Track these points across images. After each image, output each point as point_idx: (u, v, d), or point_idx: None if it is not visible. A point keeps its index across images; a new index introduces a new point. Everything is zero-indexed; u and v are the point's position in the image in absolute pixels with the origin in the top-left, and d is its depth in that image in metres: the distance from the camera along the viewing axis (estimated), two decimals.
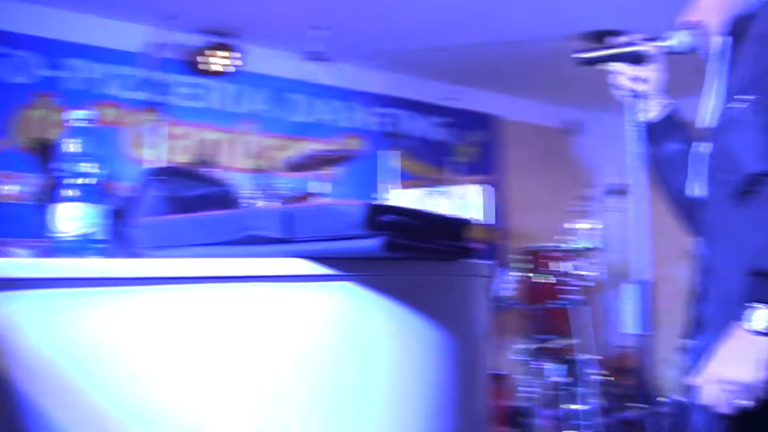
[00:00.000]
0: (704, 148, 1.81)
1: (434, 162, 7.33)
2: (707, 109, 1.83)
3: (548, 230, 7.86)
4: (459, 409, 1.77)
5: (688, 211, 1.97)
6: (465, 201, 6.24)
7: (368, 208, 1.46)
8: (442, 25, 6.14)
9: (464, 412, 1.80)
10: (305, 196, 5.23)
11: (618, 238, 8.43)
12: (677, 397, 1.90)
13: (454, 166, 6.86)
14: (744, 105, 1.64)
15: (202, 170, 2.36)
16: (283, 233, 1.51)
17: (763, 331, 1.46)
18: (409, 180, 6.71)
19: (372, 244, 1.45)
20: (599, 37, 6.38)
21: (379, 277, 1.59)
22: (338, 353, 1.53)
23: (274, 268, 1.51)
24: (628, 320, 1.89)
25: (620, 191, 6.25)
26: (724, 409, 1.53)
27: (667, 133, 2.02)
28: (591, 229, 6.54)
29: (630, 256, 1.94)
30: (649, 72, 2.01)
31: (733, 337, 1.52)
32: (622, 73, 2.02)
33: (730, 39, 1.82)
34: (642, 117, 2.00)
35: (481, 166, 7.24)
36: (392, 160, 6.43)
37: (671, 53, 1.99)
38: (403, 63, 6.94)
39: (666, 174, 2.04)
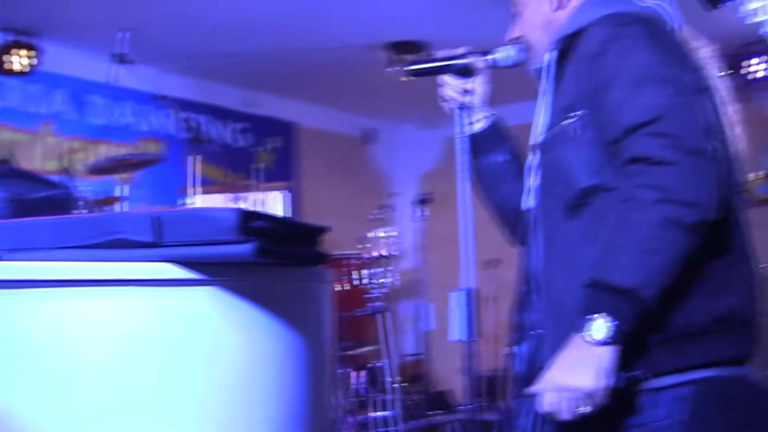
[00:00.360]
0: (536, 161, 1.87)
1: (234, 168, 7.30)
2: (539, 124, 1.88)
3: (347, 238, 8.06)
4: (310, 408, 1.82)
5: (513, 221, 2.07)
6: (265, 208, 6.28)
7: (240, 214, 1.49)
8: (243, 30, 6.14)
9: (314, 412, 1.85)
10: (108, 200, 5.05)
11: (414, 247, 8.80)
12: (504, 402, 2.00)
13: (253, 173, 6.87)
14: (573, 121, 1.72)
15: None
16: (153, 237, 1.50)
17: (602, 340, 1.54)
18: (210, 186, 6.64)
19: (244, 249, 1.48)
20: (402, 47, 6.59)
21: (242, 282, 1.61)
22: (201, 356, 1.54)
23: (141, 271, 1.50)
24: (454, 327, 1.93)
25: (423, 201, 6.51)
26: (565, 416, 1.60)
27: (491, 145, 2.10)
28: (388, 237, 6.76)
29: (460, 264, 1.98)
30: (475, 84, 2.08)
31: (573, 346, 1.58)
32: (450, 85, 2.07)
33: (555, 55, 1.88)
34: (468, 128, 2.07)
35: (280, 173, 7.27)
36: (193, 165, 6.34)
37: (496, 67, 2.08)
38: (203, 67, 6.86)
39: (490, 184, 2.12)
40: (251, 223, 1.52)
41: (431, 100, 8.55)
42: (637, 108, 1.60)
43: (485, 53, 2.07)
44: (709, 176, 1.55)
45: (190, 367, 1.51)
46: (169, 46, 6.31)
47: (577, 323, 1.57)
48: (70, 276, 1.45)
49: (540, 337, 1.79)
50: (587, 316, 1.55)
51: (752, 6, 3.95)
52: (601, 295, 1.55)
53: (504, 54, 2.05)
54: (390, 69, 6.65)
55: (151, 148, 6.77)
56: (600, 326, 1.54)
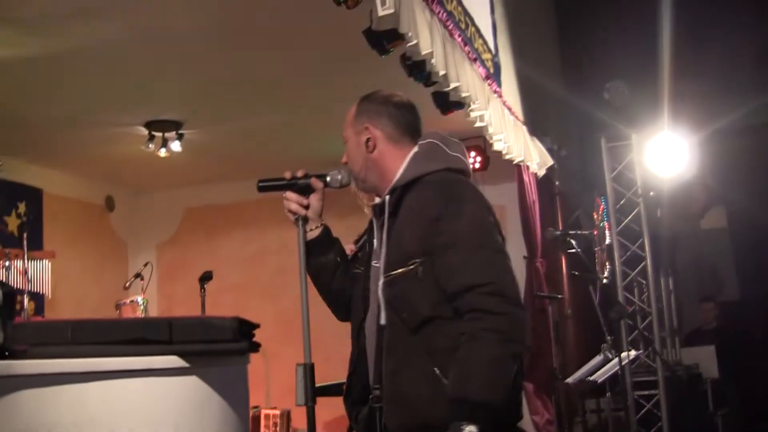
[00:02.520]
0: (382, 288, 2.28)
1: None
2: (381, 258, 2.30)
3: (100, 306, 7.98)
4: None
5: (344, 305, 2.54)
6: (30, 276, 6.17)
7: (238, 322, 1.90)
8: None
9: None
10: None
11: (161, 313, 8.87)
12: None
13: (3, 239, 6.72)
14: (415, 266, 2.20)
15: None
16: (167, 337, 1.85)
17: None
18: None
19: (243, 346, 1.90)
20: (158, 125, 6.82)
21: (221, 368, 1.99)
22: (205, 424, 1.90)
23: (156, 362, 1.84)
24: (300, 394, 2.27)
25: (206, 277, 6.70)
26: None
27: (325, 247, 2.51)
28: (140, 304, 6.89)
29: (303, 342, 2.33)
30: (311, 200, 2.46)
31: None
32: (292, 201, 2.44)
33: (390, 200, 2.33)
34: (304, 235, 2.47)
35: (30, 239, 7.07)
36: None
37: (329, 186, 2.48)
38: None
39: (326, 278, 2.51)
40: (244, 327, 1.93)
41: (176, 172, 8.67)
42: (474, 272, 2.14)
43: (321, 176, 2.45)
44: (526, 321, 2.20)
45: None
46: None
47: (452, 428, 2.09)
48: (104, 368, 1.75)
49: (380, 408, 2.29)
50: (460, 424, 2.07)
51: (474, 113, 4.87)
52: (466, 409, 2.08)
53: (334, 177, 2.45)
54: (147, 145, 6.87)
55: None
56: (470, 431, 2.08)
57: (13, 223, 7.43)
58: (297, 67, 5.78)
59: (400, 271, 2.24)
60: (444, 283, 2.19)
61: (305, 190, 2.45)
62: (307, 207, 2.45)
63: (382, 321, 2.28)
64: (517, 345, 2.14)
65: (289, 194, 2.44)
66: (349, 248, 2.60)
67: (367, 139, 2.41)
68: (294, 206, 2.45)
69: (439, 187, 2.28)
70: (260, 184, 2.47)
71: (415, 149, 2.40)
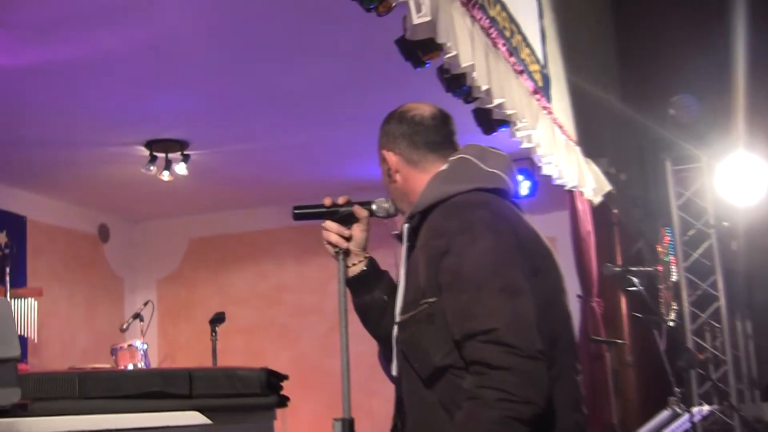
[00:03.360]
0: (396, 335, 2.31)
1: None
2: (399, 299, 2.31)
3: (94, 350, 8.04)
4: None
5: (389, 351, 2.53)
6: (16, 316, 6.24)
7: (267, 374, 1.94)
8: None
9: None
10: None
11: (162, 359, 8.94)
12: None
13: None
14: (426, 307, 2.17)
15: None
16: (187, 390, 1.89)
17: None
18: None
19: (273, 400, 1.93)
20: (161, 145, 6.92)
21: (233, 426, 2.03)
22: None
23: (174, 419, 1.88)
24: None
25: (218, 319, 6.75)
26: None
27: (372, 284, 2.50)
28: (135, 347, 6.92)
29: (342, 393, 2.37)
30: (354, 231, 2.47)
31: None
32: (332, 231, 2.45)
33: (408, 228, 2.33)
34: (345, 270, 2.48)
35: (12, 274, 7.16)
36: None
37: (374, 216, 2.49)
38: None
39: (374, 318, 2.50)
40: (271, 378, 1.97)
41: (180, 198, 8.77)
42: (478, 316, 2.06)
43: (366, 203, 2.48)
44: (539, 376, 2.04)
45: None
46: None
47: None
48: (116, 426, 1.79)
49: None
50: None
51: (521, 132, 4.91)
52: None
53: (380, 205, 2.48)
54: (150, 167, 6.96)
55: None
56: None
57: None
58: (323, 78, 5.84)
59: (411, 313, 2.23)
60: (450, 328, 2.14)
61: (347, 220, 2.46)
62: (348, 239, 2.47)
63: (394, 372, 2.30)
64: (524, 406, 2.04)
65: (329, 224, 2.45)
66: None
67: (388, 169, 2.44)
68: (334, 238, 2.45)
69: (452, 213, 2.24)
70: (296, 212, 2.50)
71: (443, 167, 2.38)
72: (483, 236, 2.15)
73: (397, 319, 2.27)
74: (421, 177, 2.38)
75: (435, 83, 4.20)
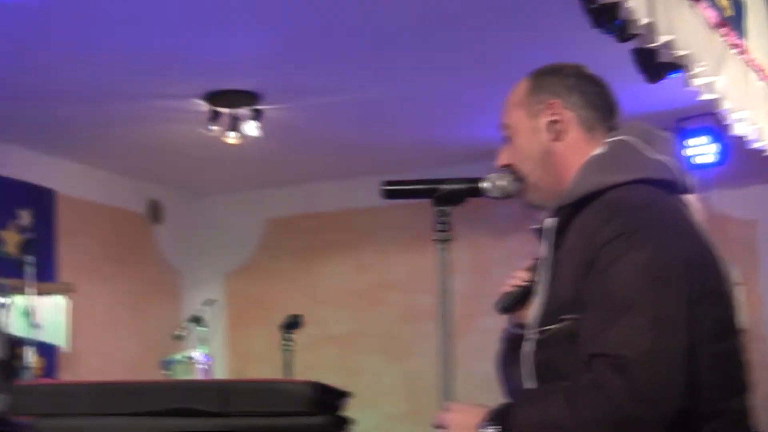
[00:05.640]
0: (529, 348, 2.45)
1: None
2: (535, 307, 2.47)
3: (139, 362, 8.32)
4: None
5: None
6: (39, 317, 6.54)
7: (316, 388, 2.15)
8: None
9: None
10: None
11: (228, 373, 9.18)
12: None
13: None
14: (564, 325, 2.34)
15: None
16: (219, 407, 2.13)
17: None
18: None
19: (323, 421, 2.14)
20: (225, 99, 7.16)
21: None
22: None
23: None
24: None
25: (290, 325, 6.99)
26: None
27: None
28: (194, 360, 7.20)
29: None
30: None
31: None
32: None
33: (555, 223, 2.47)
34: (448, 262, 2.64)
35: (39, 265, 7.27)
36: None
37: (485, 196, 2.62)
38: None
39: None
40: (322, 395, 2.19)
41: (253, 167, 9.03)
42: (610, 340, 2.21)
43: (474, 181, 2.63)
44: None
45: None
46: None
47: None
48: None
49: None
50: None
51: (699, 80, 4.95)
52: (503, 415, 2.30)
53: (495, 184, 2.60)
54: (211, 127, 7.24)
55: None
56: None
57: (12, 239, 7.78)
58: (434, 9, 5.84)
59: (551, 327, 2.38)
60: (579, 348, 2.29)
61: (449, 200, 2.63)
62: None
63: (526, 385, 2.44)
64: None
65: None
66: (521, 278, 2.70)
67: (553, 122, 2.54)
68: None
69: (608, 215, 2.35)
70: (387, 188, 2.69)
71: (598, 150, 2.50)
72: (640, 247, 2.28)
73: (534, 331, 2.42)
74: (586, 150, 2.51)
75: (577, 16, 4.29)
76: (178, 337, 7.61)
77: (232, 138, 7.37)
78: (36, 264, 6.65)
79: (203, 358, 7.11)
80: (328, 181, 9.31)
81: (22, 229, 7.87)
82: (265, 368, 8.78)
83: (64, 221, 8.40)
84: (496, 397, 2.55)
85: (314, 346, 7.88)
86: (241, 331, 9.53)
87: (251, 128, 7.28)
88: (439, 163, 7.95)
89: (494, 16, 5.86)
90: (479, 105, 6.97)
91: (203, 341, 7.41)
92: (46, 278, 7.41)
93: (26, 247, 7.11)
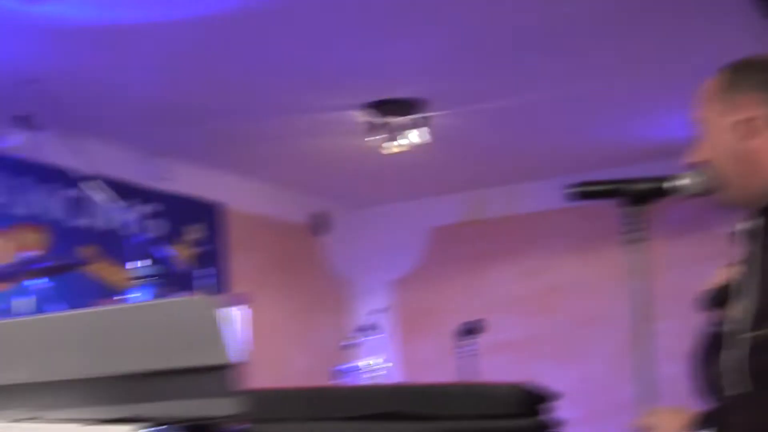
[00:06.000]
0: (753, 352, 2.34)
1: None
2: (745, 304, 2.37)
3: (309, 370, 8.44)
4: None
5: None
6: None
7: (524, 391, 2.16)
8: (154, 80, 6.47)
9: None
10: None
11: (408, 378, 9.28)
12: None
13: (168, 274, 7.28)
14: None
15: None
16: (427, 410, 2.15)
17: None
18: (109, 297, 6.95)
19: (530, 423, 2.15)
20: (386, 108, 7.21)
21: None
22: None
23: None
24: None
25: (472, 330, 7.02)
26: None
27: None
28: (373, 367, 7.26)
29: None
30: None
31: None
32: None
33: (762, 223, 2.40)
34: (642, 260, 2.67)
35: (205, 273, 7.65)
36: (94, 266, 6.77)
37: (678, 194, 2.62)
38: (92, 127, 7.10)
39: None
40: (529, 397, 2.19)
41: (415, 176, 9.05)
42: None
43: (663, 179, 2.62)
44: None
45: None
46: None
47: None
48: None
49: None
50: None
51: None
52: (716, 420, 2.29)
53: (690, 181, 2.58)
54: (371, 138, 7.31)
55: (36, 240, 7.06)
56: None
57: (185, 253, 7.96)
58: (611, 6, 5.73)
59: (764, 332, 2.31)
60: None
61: (643, 199, 2.63)
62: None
63: (728, 392, 2.37)
64: None
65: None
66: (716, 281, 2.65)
67: (749, 118, 2.45)
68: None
69: None
70: (581, 189, 2.70)
71: None
72: None
73: (745, 334, 2.35)
74: None
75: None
76: (346, 346, 7.72)
77: (396, 146, 7.39)
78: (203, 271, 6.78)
79: (380, 366, 7.19)
80: (495, 187, 9.40)
81: (194, 243, 8.08)
82: (438, 375, 8.86)
83: (235, 234, 8.64)
84: (677, 399, 2.55)
85: (487, 353, 7.88)
86: (412, 339, 9.66)
87: (415, 136, 7.30)
88: (610, 165, 7.86)
89: (677, 7, 5.79)
90: (654, 106, 6.94)
91: (376, 349, 7.48)
92: (220, 291, 7.57)
93: (203, 259, 7.25)
